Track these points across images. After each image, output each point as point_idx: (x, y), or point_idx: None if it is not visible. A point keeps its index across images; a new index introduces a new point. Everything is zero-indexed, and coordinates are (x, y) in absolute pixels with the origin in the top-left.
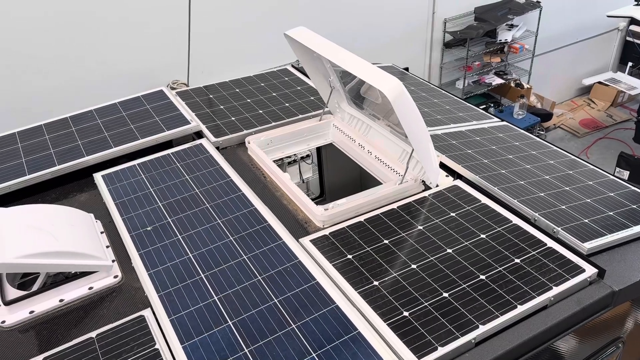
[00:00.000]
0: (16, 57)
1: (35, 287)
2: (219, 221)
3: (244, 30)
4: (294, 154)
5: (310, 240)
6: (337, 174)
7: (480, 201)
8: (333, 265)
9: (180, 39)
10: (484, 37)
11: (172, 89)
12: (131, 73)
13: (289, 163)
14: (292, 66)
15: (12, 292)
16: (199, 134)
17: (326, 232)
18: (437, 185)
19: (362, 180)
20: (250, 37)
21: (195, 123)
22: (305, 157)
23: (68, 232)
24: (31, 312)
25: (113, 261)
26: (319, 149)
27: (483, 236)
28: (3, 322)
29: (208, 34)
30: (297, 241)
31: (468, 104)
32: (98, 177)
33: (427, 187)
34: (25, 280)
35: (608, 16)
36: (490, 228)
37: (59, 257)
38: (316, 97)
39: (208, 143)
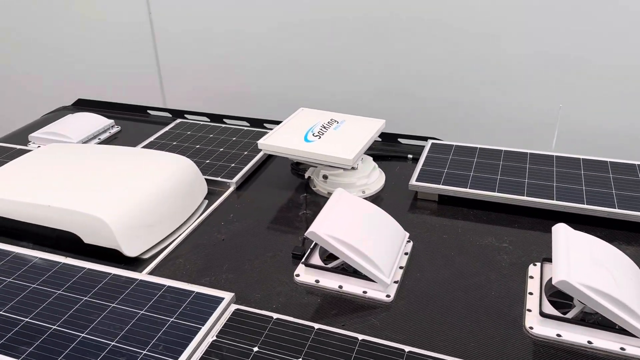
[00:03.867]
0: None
1: (569, 316)
2: None
3: None
4: None
5: None
6: None
7: None
8: None
9: None
10: None
11: None
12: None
13: None
14: None
15: (547, 307)
16: None
17: None
18: None
19: None
20: None
21: None
22: None
23: (628, 282)
24: (558, 335)
25: None
26: None
27: None
28: (530, 327)
29: None
30: None
31: None
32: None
33: None
34: (556, 301)
35: None
36: None
37: (613, 303)
38: None
39: None
